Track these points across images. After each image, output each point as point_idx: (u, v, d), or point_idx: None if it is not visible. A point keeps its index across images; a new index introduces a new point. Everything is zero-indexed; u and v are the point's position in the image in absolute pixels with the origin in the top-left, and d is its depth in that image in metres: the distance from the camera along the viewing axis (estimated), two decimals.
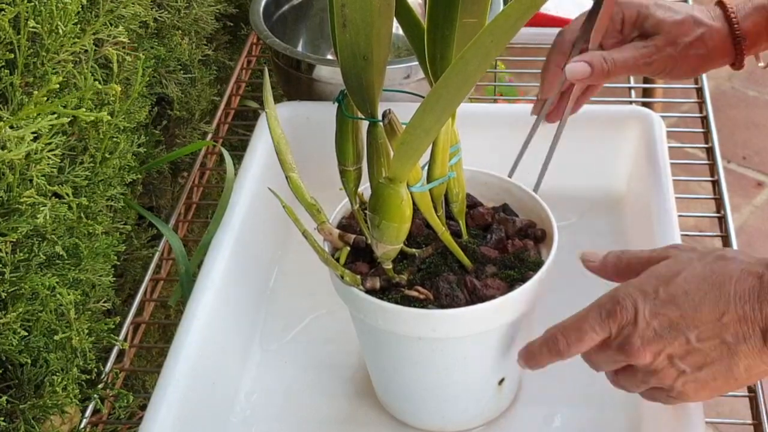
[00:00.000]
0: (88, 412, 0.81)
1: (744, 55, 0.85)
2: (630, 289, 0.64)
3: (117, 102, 0.80)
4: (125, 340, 0.89)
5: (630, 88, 1.19)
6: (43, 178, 0.69)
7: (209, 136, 1.13)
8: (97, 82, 0.71)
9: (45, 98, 0.64)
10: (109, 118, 0.76)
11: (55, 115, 0.65)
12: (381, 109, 0.66)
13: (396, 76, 1.01)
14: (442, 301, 0.70)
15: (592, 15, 0.85)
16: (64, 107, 0.66)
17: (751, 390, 0.81)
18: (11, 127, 0.64)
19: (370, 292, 0.71)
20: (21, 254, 0.70)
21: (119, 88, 0.66)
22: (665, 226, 0.84)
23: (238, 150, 1.06)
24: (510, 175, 0.86)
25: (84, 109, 0.67)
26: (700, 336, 0.62)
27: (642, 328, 0.63)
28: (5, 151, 0.63)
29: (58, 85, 0.65)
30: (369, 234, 0.70)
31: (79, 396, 0.76)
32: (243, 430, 0.81)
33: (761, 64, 0.88)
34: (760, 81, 2.42)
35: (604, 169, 1.00)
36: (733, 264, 0.63)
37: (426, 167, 0.72)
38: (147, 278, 0.95)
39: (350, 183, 0.74)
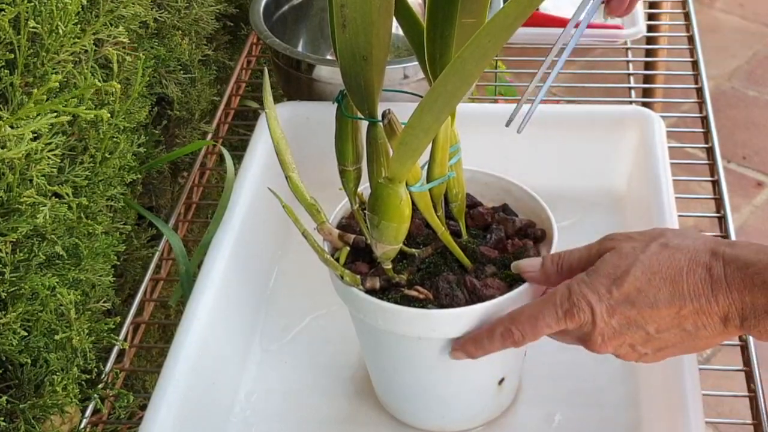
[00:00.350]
0: (88, 412, 0.81)
1: None
2: (583, 289, 0.64)
3: (117, 102, 0.81)
4: (125, 340, 0.89)
5: (630, 88, 1.19)
6: (43, 178, 0.69)
7: (209, 136, 1.13)
8: (96, 80, 0.71)
9: (45, 97, 0.64)
10: (109, 116, 0.76)
11: (55, 114, 0.65)
12: (380, 109, 0.66)
13: (395, 76, 1.01)
14: (441, 300, 0.70)
15: None
16: (64, 106, 0.66)
17: (751, 390, 0.81)
18: (11, 126, 0.64)
19: (370, 292, 0.71)
20: (21, 254, 0.70)
21: (119, 86, 0.66)
22: (665, 226, 0.84)
23: (238, 150, 1.06)
24: (509, 120, 0.82)
25: (84, 108, 0.67)
26: (659, 328, 0.63)
27: (601, 327, 0.64)
28: (5, 150, 0.63)
29: (57, 84, 0.65)
30: (368, 234, 0.70)
31: (79, 396, 0.76)
32: (243, 430, 0.81)
33: None
34: (760, 81, 2.42)
35: (604, 169, 1.00)
36: (679, 254, 0.62)
37: (426, 167, 0.72)
38: (147, 278, 0.95)
39: (350, 183, 0.74)
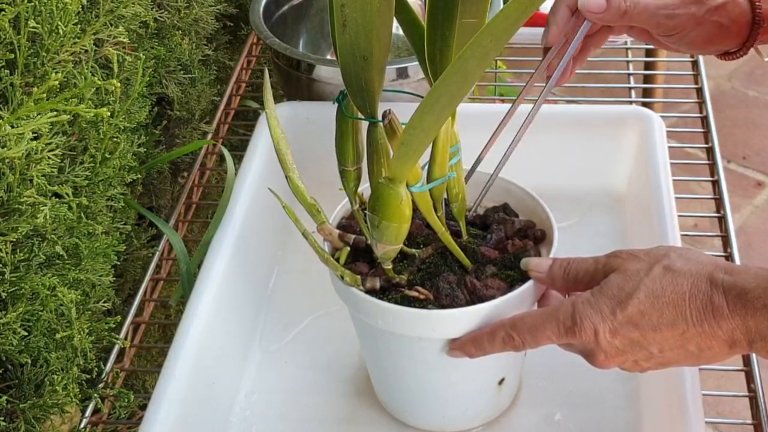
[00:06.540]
0: (89, 412, 0.81)
1: (755, 39, 0.83)
2: (587, 310, 0.64)
3: (117, 102, 0.81)
4: (125, 339, 0.89)
5: (630, 88, 1.19)
6: (43, 177, 0.69)
7: (209, 136, 1.13)
8: (96, 78, 0.71)
9: (45, 96, 0.64)
10: (109, 116, 0.76)
11: (55, 113, 0.65)
12: (381, 109, 0.66)
13: (395, 75, 1.01)
14: (442, 301, 0.70)
15: None
16: (65, 104, 0.66)
17: (751, 390, 0.81)
18: (11, 126, 0.64)
19: (370, 292, 0.71)
20: (21, 254, 0.70)
21: (119, 84, 0.66)
22: (665, 226, 0.84)
23: (238, 150, 1.06)
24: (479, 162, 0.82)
25: (84, 106, 0.67)
26: (663, 348, 0.64)
27: (604, 346, 0.64)
28: (5, 149, 0.63)
29: (57, 83, 0.65)
30: (369, 234, 0.70)
31: (80, 396, 0.76)
32: (243, 430, 0.81)
33: (767, 59, 0.87)
34: (760, 81, 2.42)
35: (604, 169, 1.00)
36: (682, 278, 0.63)
37: (426, 167, 0.72)
38: (147, 278, 0.95)
39: (350, 183, 0.74)
